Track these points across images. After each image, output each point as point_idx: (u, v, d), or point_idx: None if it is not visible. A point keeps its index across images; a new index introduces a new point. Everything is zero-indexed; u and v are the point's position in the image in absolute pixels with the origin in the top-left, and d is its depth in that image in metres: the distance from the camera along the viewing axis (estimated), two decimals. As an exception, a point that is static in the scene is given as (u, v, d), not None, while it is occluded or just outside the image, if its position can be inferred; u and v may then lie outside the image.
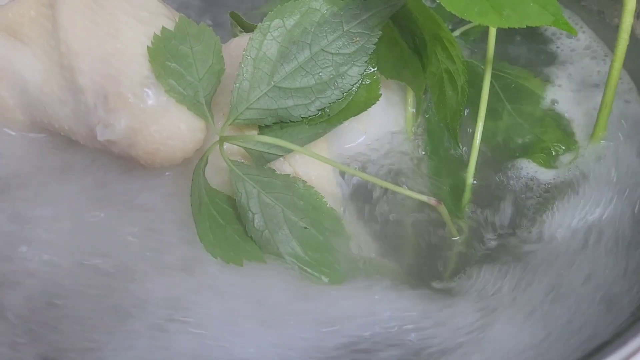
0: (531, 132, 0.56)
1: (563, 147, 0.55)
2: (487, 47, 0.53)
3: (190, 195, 0.47)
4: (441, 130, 0.56)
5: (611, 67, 0.53)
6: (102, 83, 0.45)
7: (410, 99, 0.56)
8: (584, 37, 0.64)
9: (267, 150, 0.47)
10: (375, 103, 0.50)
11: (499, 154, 0.55)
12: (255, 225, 0.47)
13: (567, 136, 0.56)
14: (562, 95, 0.60)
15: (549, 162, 0.55)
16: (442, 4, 0.42)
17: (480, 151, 0.53)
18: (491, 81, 0.53)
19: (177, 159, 0.46)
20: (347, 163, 0.54)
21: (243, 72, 0.47)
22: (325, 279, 0.47)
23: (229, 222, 0.48)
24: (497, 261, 0.49)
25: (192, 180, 0.47)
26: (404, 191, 0.48)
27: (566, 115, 0.58)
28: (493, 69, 0.55)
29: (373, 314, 0.45)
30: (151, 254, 0.48)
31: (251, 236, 0.47)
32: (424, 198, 0.47)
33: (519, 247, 0.50)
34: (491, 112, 0.55)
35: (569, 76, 0.61)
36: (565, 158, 0.55)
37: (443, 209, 0.47)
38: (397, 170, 0.54)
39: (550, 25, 0.43)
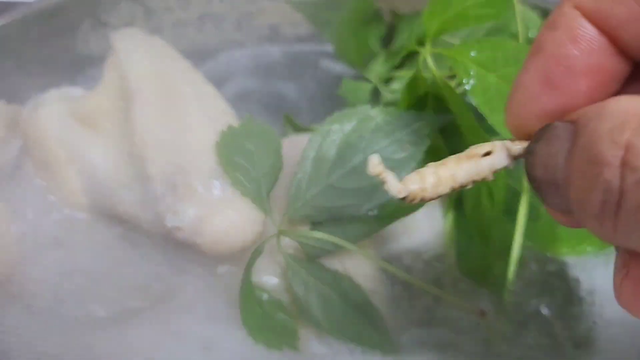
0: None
1: None
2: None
3: (241, 284, 0.49)
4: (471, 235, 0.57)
5: None
6: (172, 173, 0.48)
7: (451, 203, 0.59)
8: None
9: (321, 246, 0.50)
10: (422, 206, 0.52)
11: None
12: (312, 315, 0.49)
13: None
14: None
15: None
16: (494, 126, 0.46)
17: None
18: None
19: (238, 249, 0.48)
20: (390, 263, 0.56)
21: (302, 170, 0.50)
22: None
23: (270, 311, 0.49)
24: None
25: (245, 269, 0.48)
26: (450, 298, 0.49)
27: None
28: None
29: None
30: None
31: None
32: (466, 305, 0.48)
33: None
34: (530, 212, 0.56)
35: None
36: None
37: (486, 320, 0.49)
38: (438, 273, 0.56)
39: None
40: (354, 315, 0.49)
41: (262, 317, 0.47)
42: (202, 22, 0.87)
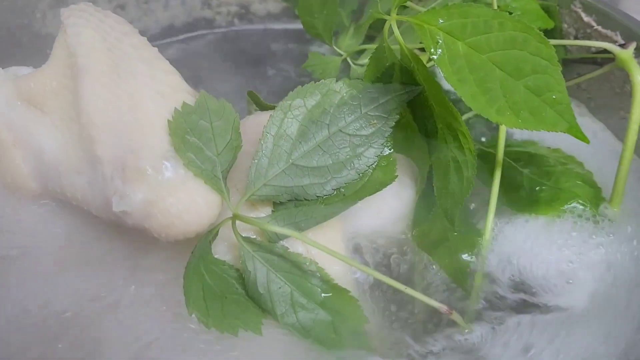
0: (557, 187, 0.56)
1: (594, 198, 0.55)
2: (497, 146, 0.54)
3: (186, 267, 0.46)
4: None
5: (622, 157, 0.54)
6: (121, 155, 0.45)
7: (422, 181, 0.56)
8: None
9: (280, 231, 0.47)
10: (390, 184, 0.50)
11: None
12: (262, 303, 0.46)
13: (596, 190, 0.56)
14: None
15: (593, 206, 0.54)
16: (463, 99, 0.43)
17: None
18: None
19: (192, 233, 0.45)
20: (359, 243, 0.53)
21: (262, 149, 0.47)
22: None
23: (226, 292, 0.47)
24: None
25: (192, 251, 0.46)
26: (416, 294, 0.46)
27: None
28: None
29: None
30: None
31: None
32: (435, 304, 0.46)
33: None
34: (510, 182, 0.55)
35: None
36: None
37: (456, 316, 0.47)
38: (409, 254, 0.53)
39: (564, 132, 0.44)
40: (313, 305, 0.46)
41: (217, 301, 0.45)
42: (169, -1, 0.83)
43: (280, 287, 0.46)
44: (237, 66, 0.80)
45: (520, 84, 0.44)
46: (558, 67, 0.44)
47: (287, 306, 0.46)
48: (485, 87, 0.44)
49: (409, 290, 0.46)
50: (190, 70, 0.62)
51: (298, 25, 0.78)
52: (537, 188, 0.56)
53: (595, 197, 0.55)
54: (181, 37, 0.83)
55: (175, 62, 0.54)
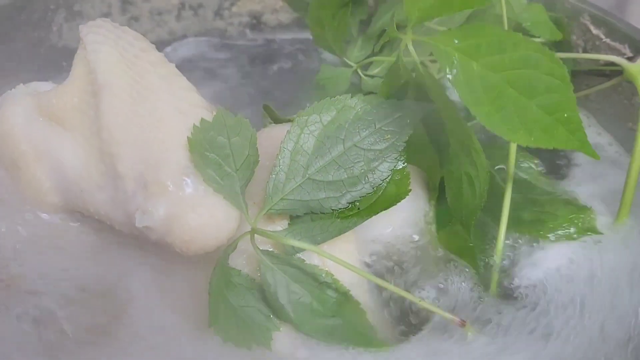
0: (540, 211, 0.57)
1: (581, 217, 0.56)
2: (508, 164, 0.55)
3: (210, 282, 0.47)
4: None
5: (630, 169, 0.55)
6: (142, 171, 0.46)
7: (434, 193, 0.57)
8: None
9: (298, 245, 0.48)
10: (404, 198, 0.51)
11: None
12: (283, 314, 0.47)
13: (580, 209, 0.57)
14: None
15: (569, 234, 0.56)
16: (477, 118, 0.44)
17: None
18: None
19: (212, 247, 0.46)
20: (372, 254, 0.55)
21: (280, 164, 0.48)
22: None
23: (243, 304, 0.48)
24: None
25: (215, 265, 0.47)
26: (429, 306, 0.48)
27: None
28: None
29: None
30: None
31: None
32: (447, 316, 0.47)
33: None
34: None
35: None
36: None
37: (469, 328, 0.48)
38: (421, 265, 0.54)
39: (576, 150, 0.46)
40: (330, 313, 0.47)
41: (232, 314, 0.46)
42: (181, 10, 0.84)
43: (300, 298, 0.47)
44: (248, 76, 0.81)
45: (533, 103, 0.45)
46: (570, 86, 0.45)
47: (307, 315, 0.47)
48: (499, 106, 0.45)
49: (423, 303, 0.48)
50: (202, 80, 0.63)
51: (309, 35, 0.79)
52: (521, 210, 0.57)
53: (580, 214, 0.57)
54: (194, 48, 0.84)
55: (188, 73, 0.55)
